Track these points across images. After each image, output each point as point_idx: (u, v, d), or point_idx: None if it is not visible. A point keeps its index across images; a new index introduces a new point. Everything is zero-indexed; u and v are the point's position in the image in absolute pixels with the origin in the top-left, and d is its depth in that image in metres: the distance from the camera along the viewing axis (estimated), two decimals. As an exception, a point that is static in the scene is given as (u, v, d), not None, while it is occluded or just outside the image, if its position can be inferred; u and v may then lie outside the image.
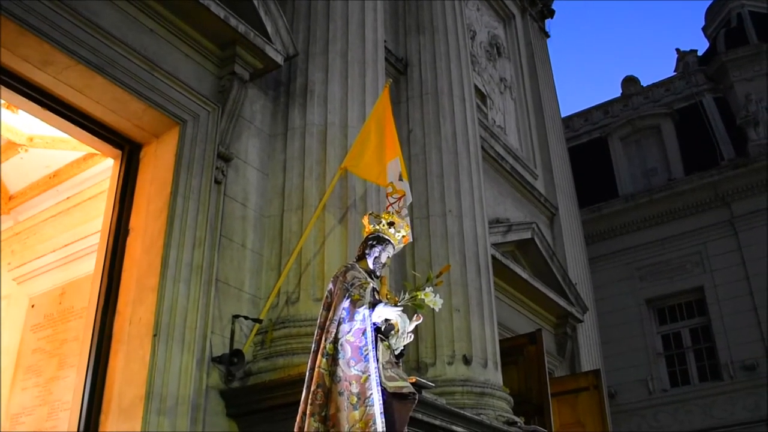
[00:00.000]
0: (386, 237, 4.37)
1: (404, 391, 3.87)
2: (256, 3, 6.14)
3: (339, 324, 3.91)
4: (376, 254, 4.33)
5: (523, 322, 10.34)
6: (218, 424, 5.22)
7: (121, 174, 5.82)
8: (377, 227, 4.39)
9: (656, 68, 57.81)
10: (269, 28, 6.24)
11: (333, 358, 3.84)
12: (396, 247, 4.47)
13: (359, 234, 4.92)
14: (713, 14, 19.80)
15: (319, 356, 3.89)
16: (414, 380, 4.24)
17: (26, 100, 5.28)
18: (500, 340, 7.75)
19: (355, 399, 3.71)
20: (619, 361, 14.94)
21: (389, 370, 3.93)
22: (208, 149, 5.77)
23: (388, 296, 4.22)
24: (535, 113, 13.41)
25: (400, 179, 6.10)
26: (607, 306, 15.28)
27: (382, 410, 3.68)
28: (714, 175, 15.74)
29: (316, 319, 4.18)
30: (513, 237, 10.42)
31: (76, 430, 5.03)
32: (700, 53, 18.91)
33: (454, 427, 5.87)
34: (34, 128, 6.58)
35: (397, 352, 4.09)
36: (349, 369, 3.78)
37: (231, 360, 5.36)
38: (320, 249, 5.90)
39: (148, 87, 5.49)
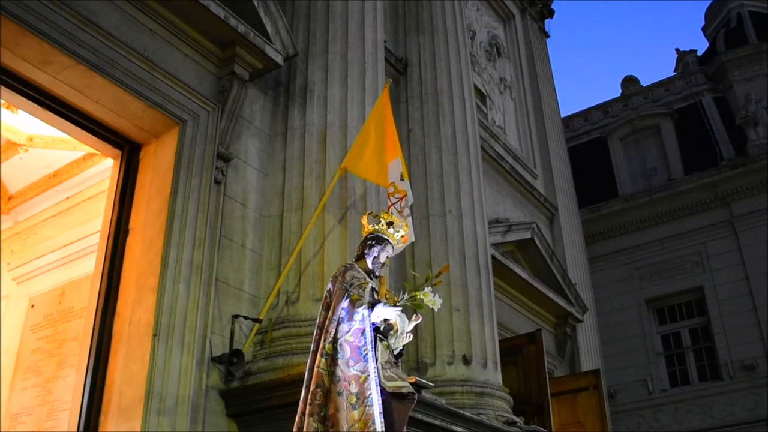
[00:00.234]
0: (385, 237, 4.37)
1: (403, 391, 3.87)
2: (255, 3, 6.14)
3: (338, 324, 3.91)
4: (375, 254, 4.33)
5: (522, 322, 10.34)
6: (218, 424, 5.22)
7: (121, 174, 5.82)
8: (376, 227, 4.39)
9: (656, 68, 57.84)
10: (269, 28, 6.25)
11: (332, 358, 3.84)
12: (395, 247, 4.47)
13: (359, 234, 4.92)
14: (713, 14, 19.80)
15: (318, 356, 3.90)
16: (413, 380, 4.25)
17: (26, 100, 5.29)
18: (500, 340, 7.75)
19: (354, 399, 3.71)
20: (618, 361, 14.95)
21: (388, 370, 3.94)
22: (208, 149, 5.78)
23: (387, 296, 4.22)
24: (534, 113, 13.42)
25: (402, 179, 6.11)
26: (606, 306, 15.28)
27: (381, 410, 3.68)
28: (714, 175, 15.74)
29: (316, 319, 4.18)
30: (513, 237, 10.43)
31: (75, 430, 5.03)
32: (699, 53, 18.92)
33: (454, 427, 5.88)
34: (34, 128, 6.59)
35: (396, 352, 4.09)
36: (348, 369, 3.78)
37: (231, 360, 5.36)
38: (320, 249, 5.90)
39: (148, 87, 5.50)
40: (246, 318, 5.66)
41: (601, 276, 15.55)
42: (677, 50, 19.41)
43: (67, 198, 7.07)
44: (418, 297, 4.10)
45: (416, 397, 3.96)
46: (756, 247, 14.99)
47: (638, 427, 15.00)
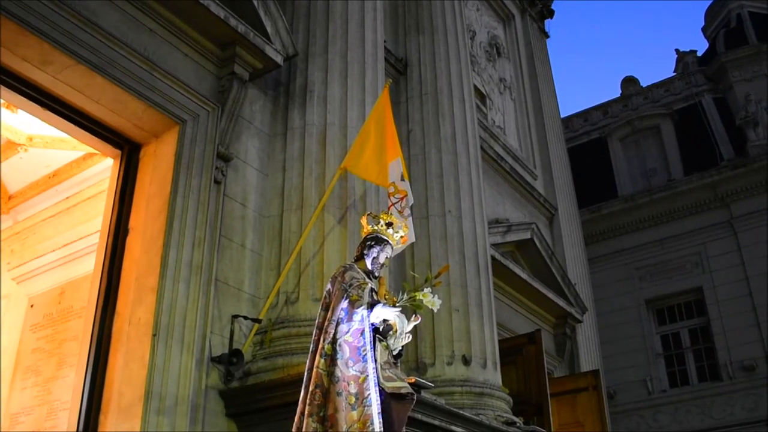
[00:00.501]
0: (384, 237, 4.37)
1: (402, 391, 3.87)
2: (255, 3, 6.14)
3: (337, 324, 3.91)
4: (375, 255, 4.33)
5: (522, 322, 10.34)
6: (217, 424, 5.22)
7: (121, 174, 5.82)
8: (375, 228, 4.40)
9: (656, 69, 57.79)
10: (269, 29, 6.25)
11: (331, 359, 3.85)
12: (394, 248, 4.47)
13: (358, 234, 4.93)
14: (713, 15, 19.80)
15: (318, 356, 3.90)
16: (413, 380, 4.25)
17: (26, 99, 5.29)
18: (499, 341, 7.75)
19: (354, 399, 3.71)
20: (618, 362, 14.95)
21: (387, 371, 3.94)
22: (208, 149, 5.78)
23: (387, 297, 4.22)
24: (534, 113, 13.42)
25: (402, 179, 6.11)
26: (606, 306, 15.29)
27: (380, 410, 3.68)
28: (713, 176, 15.75)
29: (315, 319, 4.18)
30: (512, 237, 10.43)
31: (75, 429, 5.03)
32: (699, 54, 18.92)
33: (454, 428, 5.88)
34: (34, 128, 6.59)
35: (395, 353, 4.10)
36: (347, 369, 3.78)
37: (230, 360, 5.37)
38: (320, 249, 5.90)
39: (148, 87, 5.50)
40: (246, 318, 5.67)
41: (600, 276, 15.55)
42: (677, 51, 19.42)
43: (67, 198, 7.07)
44: (417, 298, 4.10)
45: (415, 398, 3.96)
46: (756, 247, 14.99)
47: (638, 427, 15.00)
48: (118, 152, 5.90)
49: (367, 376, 3.74)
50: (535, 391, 8.23)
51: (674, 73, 19.01)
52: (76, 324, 6.42)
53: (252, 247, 6.05)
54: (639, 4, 56.50)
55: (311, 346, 4.03)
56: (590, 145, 18.28)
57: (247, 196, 6.18)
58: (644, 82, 18.81)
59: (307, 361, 4.00)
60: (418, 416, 5.37)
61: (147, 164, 5.81)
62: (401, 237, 4.47)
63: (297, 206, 6.13)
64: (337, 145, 6.40)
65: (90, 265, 5.98)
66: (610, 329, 14.99)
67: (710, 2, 20.07)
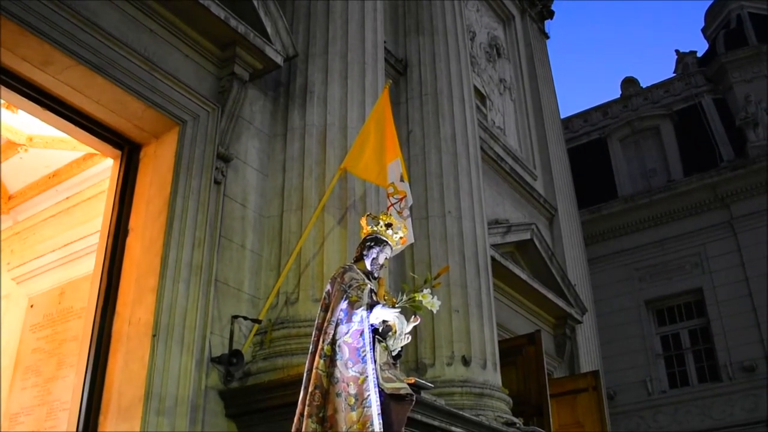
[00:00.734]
0: (384, 238, 4.37)
1: (402, 392, 3.87)
2: (256, 4, 6.15)
3: (337, 325, 3.91)
4: (374, 255, 4.33)
5: (522, 322, 10.34)
6: (217, 425, 5.22)
7: (121, 174, 5.82)
8: (375, 228, 4.40)
9: (655, 69, 57.81)
10: (269, 29, 6.25)
11: (331, 360, 3.85)
12: (394, 249, 4.47)
13: (358, 234, 4.93)
14: (713, 15, 19.81)
15: (317, 357, 3.90)
16: (413, 381, 4.25)
17: (26, 100, 5.29)
18: (499, 341, 7.75)
19: (353, 400, 3.71)
20: (618, 362, 14.95)
21: (387, 372, 3.94)
22: (208, 150, 5.78)
23: (386, 297, 4.22)
24: (534, 114, 13.42)
25: (401, 180, 6.12)
26: (606, 307, 15.29)
27: (380, 411, 3.68)
28: (713, 177, 15.75)
29: (315, 320, 4.18)
30: (512, 238, 10.43)
31: (75, 430, 5.03)
32: (699, 54, 18.93)
33: (453, 428, 5.88)
34: (34, 128, 6.59)
35: (394, 354, 4.10)
36: (346, 370, 3.79)
37: (230, 360, 5.37)
38: (320, 249, 5.91)
39: (148, 87, 5.50)
40: (245, 318, 5.67)
41: (600, 277, 15.55)
42: (677, 51, 19.44)
43: (67, 198, 7.07)
44: (417, 299, 4.10)
45: (414, 398, 3.97)
46: (756, 248, 14.99)
47: (637, 428, 15.00)
48: (118, 152, 5.91)
49: (367, 377, 3.74)
50: (535, 391, 8.23)
51: (674, 74, 19.02)
52: (76, 324, 6.42)
53: (252, 247, 6.05)
54: (639, 4, 56.53)
55: (310, 347, 4.03)
56: (590, 146, 18.28)
57: (247, 196, 6.19)
58: (644, 83, 18.86)
59: (307, 362, 4.00)
60: (418, 417, 5.37)
61: (147, 165, 5.81)
62: (400, 238, 4.47)
63: (297, 207, 6.13)
64: (337, 146, 6.40)
65: (90, 266, 5.98)
66: (609, 330, 14.99)
67: (710, 3, 20.09)
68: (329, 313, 4.00)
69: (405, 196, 5.95)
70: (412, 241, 6.60)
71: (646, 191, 16.64)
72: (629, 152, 17.79)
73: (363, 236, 4.45)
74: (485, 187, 8.98)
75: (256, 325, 5.65)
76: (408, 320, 4.03)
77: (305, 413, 3.80)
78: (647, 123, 17.77)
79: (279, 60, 6.33)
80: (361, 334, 3.84)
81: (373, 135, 6.15)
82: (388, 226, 4.41)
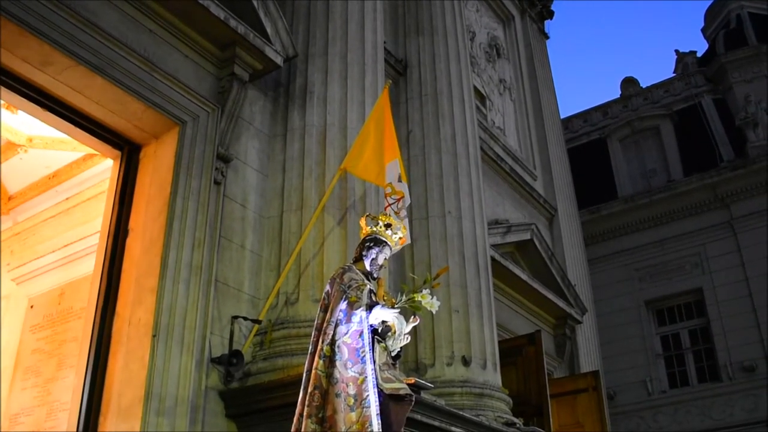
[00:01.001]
0: (383, 239, 4.37)
1: (401, 392, 3.88)
2: (255, 4, 6.15)
3: (336, 326, 3.91)
4: (373, 256, 4.34)
5: (522, 323, 10.34)
6: (217, 425, 5.23)
7: (121, 175, 5.82)
8: (374, 229, 4.40)
9: (655, 69, 57.81)
10: (269, 29, 6.25)
11: (330, 360, 3.85)
12: (393, 249, 4.47)
13: (358, 235, 4.93)
14: (712, 15, 19.81)
15: (316, 358, 3.90)
16: (413, 381, 4.25)
17: (26, 100, 5.29)
18: (499, 341, 7.75)
19: (352, 400, 3.71)
20: (618, 363, 14.95)
21: (386, 372, 3.94)
22: (208, 150, 5.78)
23: (385, 298, 4.23)
24: (534, 114, 13.42)
25: (399, 181, 6.11)
26: (606, 307, 15.28)
27: (379, 411, 3.68)
28: (713, 177, 15.74)
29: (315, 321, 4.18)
30: (512, 238, 10.43)
31: (75, 430, 5.03)
32: (699, 54, 18.93)
33: (453, 428, 5.88)
34: (34, 129, 6.59)
35: (393, 354, 4.10)
36: (346, 371, 3.79)
37: (230, 361, 5.37)
38: (319, 250, 5.91)
39: (148, 88, 5.50)
40: (245, 319, 5.67)
41: (600, 277, 15.55)
42: (677, 51, 19.45)
43: (67, 198, 7.07)
44: (416, 299, 4.11)
45: (414, 399, 3.97)
46: (755, 248, 14.99)
47: (637, 428, 15.00)
48: (118, 153, 5.91)
49: (366, 377, 3.74)
50: (535, 391, 8.23)
51: (674, 74, 19.02)
52: (76, 325, 6.42)
53: (252, 247, 6.05)
54: (639, 4, 56.54)
55: (310, 347, 4.04)
56: (590, 146, 18.28)
57: (247, 197, 6.19)
58: (644, 83, 18.85)
59: (306, 362, 4.00)
60: (418, 417, 5.38)
61: (147, 165, 5.81)
62: (399, 238, 4.48)
63: (297, 207, 6.13)
64: (337, 146, 6.40)
65: (90, 266, 5.98)
66: (609, 330, 14.99)
67: (710, 3, 20.09)
68: (328, 314, 4.00)
69: (402, 197, 5.95)
70: (409, 241, 6.60)
71: (646, 191, 16.64)
72: (629, 152, 17.79)
73: (362, 237, 4.45)
74: (485, 187, 8.98)
75: (256, 326, 5.66)
76: (407, 321, 4.03)
77: (304, 414, 3.80)
78: (647, 123, 17.77)
79: (279, 60, 6.33)
80: (361, 334, 3.85)
81: (373, 135, 6.15)
82: (388, 226, 4.41)
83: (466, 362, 6.98)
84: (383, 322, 3.95)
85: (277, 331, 5.62)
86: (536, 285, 10.54)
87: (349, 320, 3.89)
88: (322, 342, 3.92)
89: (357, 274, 4.20)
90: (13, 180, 7.38)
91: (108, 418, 4.95)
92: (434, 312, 4.22)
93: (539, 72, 14.03)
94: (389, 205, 5.81)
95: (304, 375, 3.95)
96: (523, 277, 10.28)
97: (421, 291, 4.14)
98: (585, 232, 14.40)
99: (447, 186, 7.94)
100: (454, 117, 8.42)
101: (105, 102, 5.43)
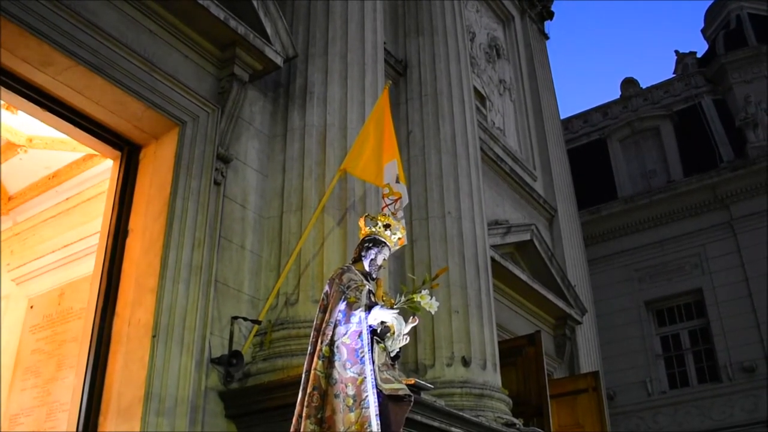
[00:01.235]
0: (382, 239, 4.37)
1: (400, 392, 3.88)
2: (255, 4, 6.15)
3: (335, 326, 3.91)
4: (372, 256, 4.34)
5: (522, 323, 10.34)
6: (217, 425, 5.22)
7: (121, 175, 5.82)
8: (373, 229, 4.40)
9: (655, 70, 57.88)
10: (269, 30, 6.25)
11: (329, 361, 3.84)
12: (392, 249, 4.47)
13: (358, 235, 4.93)
14: (712, 16, 19.81)
15: (315, 358, 3.90)
16: (413, 382, 4.24)
17: (26, 101, 5.29)
18: (499, 342, 7.75)
19: (351, 401, 3.71)
20: (618, 363, 14.95)
21: (385, 372, 3.94)
22: (208, 150, 5.78)
23: (384, 298, 4.23)
24: (534, 115, 13.43)
25: (397, 181, 6.11)
26: (606, 308, 15.28)
27: (378, 412, 3.68)
28: (713, 177, 15.74)
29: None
30: (512, 239, 10.43)
31: (74, 430, 5.03)
32: (699, 55, 18.93)
33: (453, 429, 5.87)
34: (34, 129, 6.59)
35: (393, 354, 4.10)
36: (345, 371, 3.79)
37: (230, 361, 5.37)
38: (319, 250, 5.91)
39: (148, 88, 5.50)
40: (245, 319, 5.67)
41: (600, 278, 15.55)
42: (677, 52, 19.46)
43: (67, 199, 7.07)
44: (415, 300, 4.11)
45: (413, 399, 3.97)
46: (755, 249, 14.99)
47: (637, 428, 15.00)
48: (118, 153, 5.91)
49: (365, 377, 3.74)
50: (535, 392, 8.23)
51: (674, 75, 19.03)
52: (76, 325, 6.42)
53: (252, 248, 6.05)
54: (639, 4, 56.55)
55: (309, 348, 4.03)
56: (590, 147, 18.28)
57: (246, 197, 6.19)
58: (644, 84, 18.86)
59: (305, 363, 4.00)
60: (418, 417, 5.37)
61: (147, 165, 5.81)
62: (398, 239, 4.48)
63: (297, 207, 6.13)
64: (337, 146, 6.40)
65: (90, 267, 5.98)
66: (609, 331, 14.99)
67: (710, 3, 20.10)
68: (327, 314, 4.00)
69: (400, 197, 5.95)
70: (405, 242, 6.61)
71: (646, 192, 16.64)
72: (629, 153, 17.79)
73: (361, 237, 4.45)
74: (485, 187, 8.98)
75: (256, 326, 5.65)
76: (406, 321, 4.03)
77: (303, 414, 3.80)
78: (647, 123, 17.77)
79: (279, 61, 6.33)
80: (360, 335, 3.84)
81: (373, 136, 6.15)
82: (387, 227, 4.41)
83: (465, 363, 6.98)
84: (382, 322, 3.95)
85: (277, 331, 5.62)
86: (536, 285, 10.54)
87: (348, 321, 3.89)
88: (321, 343, 3.92)
89: (356, 274, 4.20)
90: (13, 180, 7.38)
91: (108, 419, 4.95)
92: (433, 312, 4.23)
93: (539, 72, 14.03)
94: (386, 205, 5.82)
95: (303, 375, 3.95)
96: (523, 277, 10.28)
97: (420, 291, 4.14)
98: (585, 233, 14.41)
99: (447, 186, 7.94)
100: (454, 117, 8.42)
101: (105, 102, 5.43)
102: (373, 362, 3.82)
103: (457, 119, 8.44)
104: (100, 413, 5.02)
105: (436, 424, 5.67)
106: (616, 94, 19.09)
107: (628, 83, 18.90)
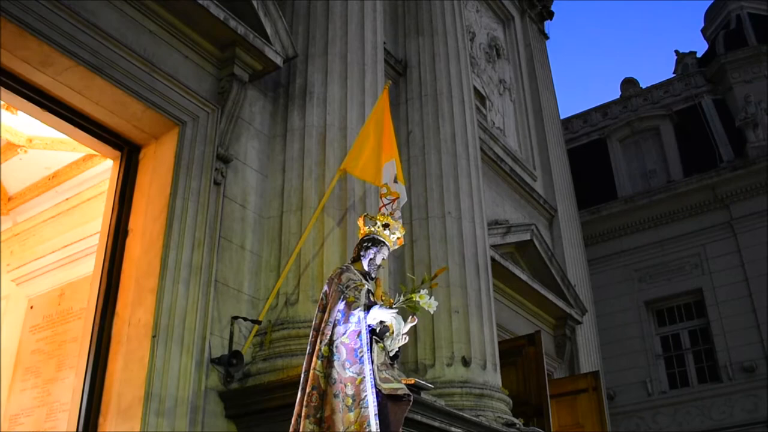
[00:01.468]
0: (381, 239, 4.37)
1: (399, 392, 3.88)
2: (255, 4, 6.15)
3: (334, 326, 3.91)
4: (371, 256, 4.34)
5: (522, 323, 10.35)
6: (217, 425, 5.23)
7: (121, 175, 5.82)
8: (372, 229, 4.41)
9: (655, 70, 57.83)
10: (269, 30, 6.25)
11: (328, 360, 3.85)
12: (391, 249, 4.47)
13: (357, 235, 4.93)
14: (712, 16, 19.81)
15: (315, 358, 3.90)
16: (413, 382, 4.25)
17: (26, 101, 5.29)
18: (499, 342, 7.75)
19: (350, 401, 3.71)
20: (618, 363, 14.95)
21: (384, 372, 3.94)
22: (208, 151, 5.78)
23: (383, 298, 4.23)
24: (534, 115, 13.43)
25: (395, 181, 6.11)
26: (606, 308, 15.28)
27: (377, 412, 3.68)
28: (713, 177, 15.74)
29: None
30: (512, 238, 10.43)
31: (74, 431, 5.04)
32: (699, 55, 18.93)
33: (453, 429, 5.88)
34: (34, 129, 6.60)
35: (392, 354, 4.10)
36: (344, 371, 3.79)
37: (230, 361, 5.37)
38: (319, 250, 5.91)
39: (148, 88, 5.50)
40: (245, 319, 5.67)
41: (600, 278, 15.55)
42: (677, 52, 19.46)
43: (67, 199, 7.07)
44: (414, 299, 4.11)
45: (412, 399, 3.97)
46: (755, 249, 14.98)
47: (637, 428, 14.99)
48: (118, 154, 5.91)
49: (364, 377, 3.74)
50: (535, 392, 8.23)
51: (674, 75, 19.03)
52: (76, 325, 6.43)
53: (252, 248, 6.05)
54: (639, 5, 56.55)
55: (308, 347, 4.04)
56: (590, 147, 18.27)
57: (246, 197, 6.19)
58: (644, 84, 18.84)
59: (304, 362, 4.00)
60: (418, 417, 5.38)
61: (147, 166, 5.82)
62: (398, 238, 4.48)
63: (297, 207, 6.13)
64: (337, 147, 6.40)
65: (90, 267, 5.99)
66: (609, 331, 15.00)
67: (710, 3, 20.10)
68: (326, 314, 4.00)
69: (398, 197, 5.95)
70: (403, 242, 6.62)
71: (645, 192, 16.64)
72: (629, 153, 17.79)
73: (360, 237, 4.46)
74: (485, 187, 8.99)
75: (256, 326, 5.66)
76: (405, 321, 4.03)
77: (303, 414, 3.80)
78: (647, 123, 17.76)
79: (278, 61, 6.33)
80: (359, 334, 3.85)
81: (373, 136, 6.15)
82: (386, 226, 4.41)
83: (466, 363, 6.98)
84: (381, 322, 3.95)
85: (277, 331, 5.63)
86: (536, 285, 10.54)
87: (347, 320, 3.89)
88: (320, 342, 3.92)
89: (355, 274, 4.20)
90: (13, 180, 7.39)
91: (108, 419, 4.95)
92: (432, 312, 4.23)
93: (539, 72, 14.03)
94: (384, 205, 5.82)
95: (302, 375, 3.95)
96: (523, 277, 10.28)
97: (419, 291, 4.14)
98: (585, 233, 14.40)
99: (447, 186, 7.94)
100: (454, 117, 8.42)
101: (105, 102, 5.44)
102: (372, 362, 3.83)
103: (457, 119, 8.44)
104: (100, 413, 5.03)
105: (436, 423, 5.67)
106: (616, 94, 19.10)
107: (628, 83, 18.89)
